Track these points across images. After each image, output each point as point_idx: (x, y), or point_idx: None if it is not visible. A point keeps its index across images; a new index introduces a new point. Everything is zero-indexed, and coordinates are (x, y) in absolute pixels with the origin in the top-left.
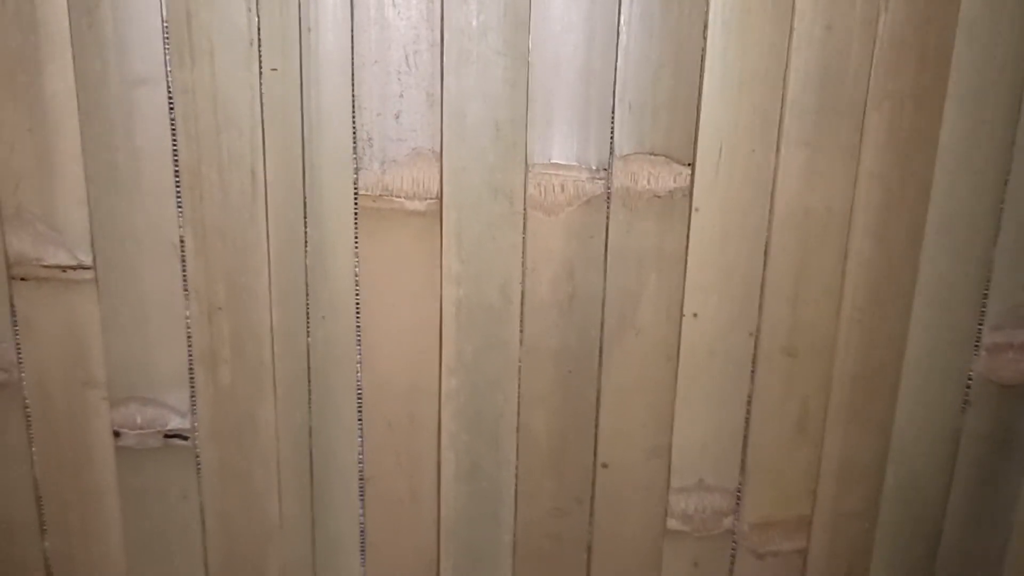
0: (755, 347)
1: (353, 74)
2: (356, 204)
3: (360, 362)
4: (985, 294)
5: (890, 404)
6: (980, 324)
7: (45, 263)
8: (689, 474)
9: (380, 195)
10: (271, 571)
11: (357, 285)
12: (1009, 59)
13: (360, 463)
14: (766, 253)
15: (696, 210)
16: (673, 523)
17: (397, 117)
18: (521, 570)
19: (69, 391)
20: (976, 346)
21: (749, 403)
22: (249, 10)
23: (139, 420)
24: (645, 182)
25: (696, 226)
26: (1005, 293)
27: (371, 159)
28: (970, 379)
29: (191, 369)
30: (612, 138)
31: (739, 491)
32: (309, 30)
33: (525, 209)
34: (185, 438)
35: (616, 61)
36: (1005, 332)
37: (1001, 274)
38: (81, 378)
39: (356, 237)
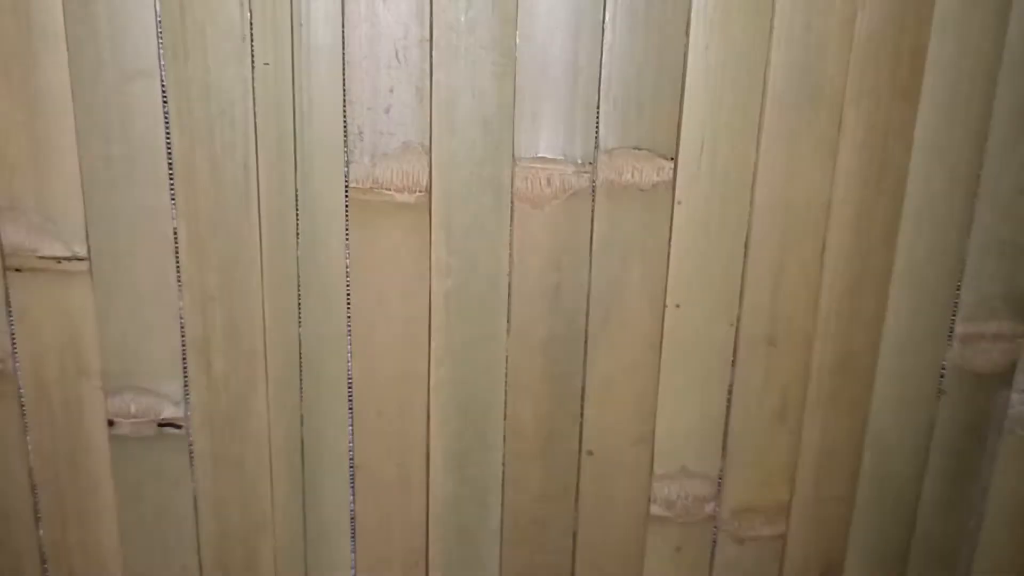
0: (736, 337)
1: (344, 69)
2: (347, 196)
3: (351, 352)
4: (958, 286)
5: (867, 392)
6: (953, 315)
7: (40, 254)
8: (672, 461)
9: (370, 188)
10: (263, 557)
11: (348, 276)
12: (982, 56)
13: (350, 451)
14: (747, 245)
15: (679, 203)
16: (656, 509)
17: (387, 111)
18: (508, 555)
19: (64, 381)
20: (950, 336)
21: (730, 391)
22: (242, 5)
23: (133, 409)
24: (629, 176)
25: (679, 219)
26: (978, 285)
27: (361, 152)
28: (944, 368)
29: (184, 358)
30: (597, 133)
31: (720, 478)
32: (301, 25)
33: (512, 202)
34: (179, 427)
35: (601, 57)
36: (977, 323)
37: (974, 266)
38: (76, 368)
39: (347, 229)
